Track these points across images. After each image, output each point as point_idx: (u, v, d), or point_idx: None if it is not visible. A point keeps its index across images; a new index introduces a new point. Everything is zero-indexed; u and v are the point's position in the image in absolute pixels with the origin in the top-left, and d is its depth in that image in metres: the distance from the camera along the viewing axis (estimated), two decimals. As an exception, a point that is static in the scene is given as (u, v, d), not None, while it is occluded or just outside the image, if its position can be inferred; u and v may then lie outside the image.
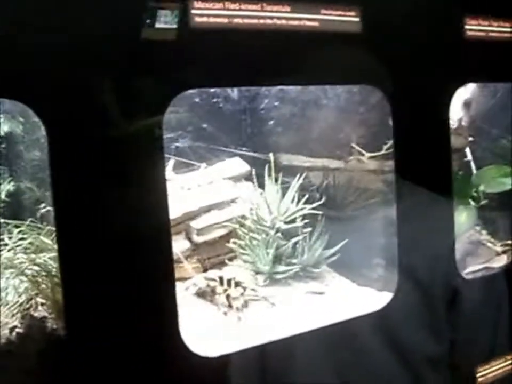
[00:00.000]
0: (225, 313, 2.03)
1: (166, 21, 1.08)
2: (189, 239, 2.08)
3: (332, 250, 2.03)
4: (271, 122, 2.32)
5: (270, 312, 1.84)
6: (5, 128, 1.53)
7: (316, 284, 2.00)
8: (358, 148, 2.12)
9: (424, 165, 1.72)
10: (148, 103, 1.19)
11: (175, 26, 1.16)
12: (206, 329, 1.86)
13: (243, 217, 2.10)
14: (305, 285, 2.00)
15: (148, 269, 1.27)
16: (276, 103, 2.25)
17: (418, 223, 1.75)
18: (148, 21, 1.08)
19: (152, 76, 1.19)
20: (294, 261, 2.02)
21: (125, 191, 1.21)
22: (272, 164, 2.03)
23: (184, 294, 1.97)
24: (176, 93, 1.24)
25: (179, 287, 1.87)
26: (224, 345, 1.52)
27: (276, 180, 2.05)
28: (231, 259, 2.07)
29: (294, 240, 2.01)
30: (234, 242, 2.06)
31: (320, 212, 2.03)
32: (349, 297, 1.89)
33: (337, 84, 1.80)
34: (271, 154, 2.04)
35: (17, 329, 1.31)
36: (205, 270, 2.04)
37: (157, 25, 1.14)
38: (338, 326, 1.68)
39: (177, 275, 1.99)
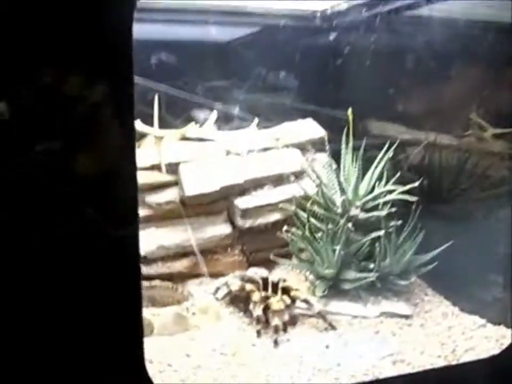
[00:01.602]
0: (258, 333, 1.47)
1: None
2: (232, 222, 1.77)
3: (428, 256, 1.66)
4: (362, 75, 1.94)
5: (325, 339, 1.46)
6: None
7: (399, 302, 1.62)
8: (479, 121, 1.74)
9: None
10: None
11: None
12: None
13: (306, 198, 1.72)
14: (384, 303, 1.61)
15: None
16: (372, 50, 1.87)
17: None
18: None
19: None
20: (371, 265, 1.63)
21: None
22: (351, 128, 1.66)
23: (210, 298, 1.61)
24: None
25: (206, 287, 1.66)
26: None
27: (356, 151, 1.70)
28: (283, 255, 1.70)
29: (373, 235, 1.62)
30: (289, 231, 1.67)
31: (415, 199, 1.63)
32: (447, 328, 1.52)
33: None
34: (350, 114, 1.64)
35: None
36: (250, 267, 1.73)
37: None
38: (427, 375, 1.32)
39: (210, 269, 1.70)
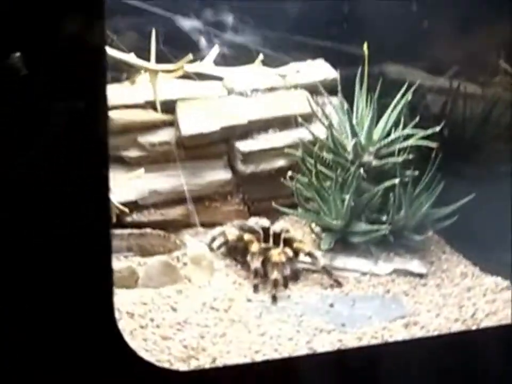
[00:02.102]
0: (255, 288, 1.35)
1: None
2: (232, 168, 1.65)
3: (447, 210, 1.55)
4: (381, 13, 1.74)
5: (329, 296, 1.35)
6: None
7: (414, 259, 1.49)
8: (507, 67, 1.68)
9: None
10: None
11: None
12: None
13: (314, 143, 1.58)
14: (397, 259, 1.48)
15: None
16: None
17: None
18: None
19: None
20: (384, 218, 1.50)
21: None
22: (366, 65, 1.54)
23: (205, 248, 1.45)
24: None
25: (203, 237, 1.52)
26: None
27: (371, 92, 1.56)
28: (288, 206, 1.58)
29: (387, 184, 1.49)
30: (294, 178, 1.53)
31: (435, 144, 1.51)
32: (466, 289, 1.40)
33: None
34: (365, 49, 1.55)
35: None
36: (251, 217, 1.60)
37: None
38: (443, 340, 1.17)
39: (207, 219, 1.57)
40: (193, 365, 1.01)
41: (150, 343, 1.06)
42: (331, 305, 1.30)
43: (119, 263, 1.31)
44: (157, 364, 0.97)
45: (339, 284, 1.39)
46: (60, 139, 0.84)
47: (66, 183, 0.85)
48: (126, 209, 1.44)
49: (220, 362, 1.03)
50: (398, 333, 1.18)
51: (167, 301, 1.23)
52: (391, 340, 1.15)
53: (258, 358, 1.06)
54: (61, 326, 0.85)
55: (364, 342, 1.14)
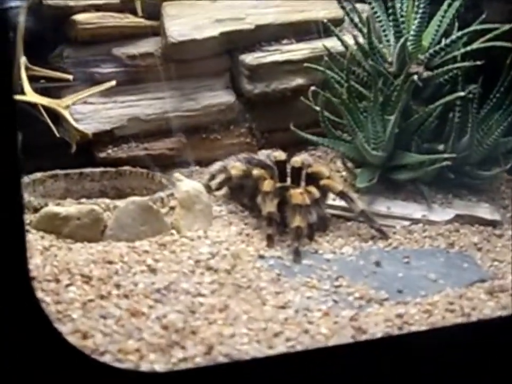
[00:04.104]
0: (269, 239, 1.04)
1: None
2: (235, 87, 1.45)
3: None
4: None
5: (372, 252, 1.04)
6: None
7: (481, 202, 1.24)
8: None
9: None
10: None
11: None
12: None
13: (343, 55, 1.31)
14: (459, 203, 1.23)
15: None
16: None
17: None
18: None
19: None
20: (440, 147, 1.25)
21: None
22: None
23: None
24: None
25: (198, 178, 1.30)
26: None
27: None
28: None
29: (445, 100, 1.23)
30: (317, 95, 1.28)
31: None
32: None
33: None
34: None
35: None
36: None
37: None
38: None
39: (205, 154, 1.42)
40: (176, 358, 0.65)
41: (110, 322, 0.69)
42: (377, 264, 1.00)
43: (77, 206, 0.97)
44: (115, 364, 0.60)
45: (384, 235, 1.11)
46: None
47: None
48: (88, 133, 1.22)
49: (219, 355, 0.66)
50: (483, 304, 0.82)
51: (143, 258, 0.93)
52: (474, 313, 0.79)
53: (280, 345, 0.69)
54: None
55: (436, 318, 0.78)
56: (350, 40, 1.36)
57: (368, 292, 0.89)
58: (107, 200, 1.06)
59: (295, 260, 0.98)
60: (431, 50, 1.29)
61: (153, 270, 0.87)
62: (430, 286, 0.92)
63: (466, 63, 1.27)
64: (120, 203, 1.03)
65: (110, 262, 0.87)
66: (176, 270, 0.88)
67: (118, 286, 0.80)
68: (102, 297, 0.77)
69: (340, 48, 1.37)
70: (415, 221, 1.17)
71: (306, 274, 0.95)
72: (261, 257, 0.98)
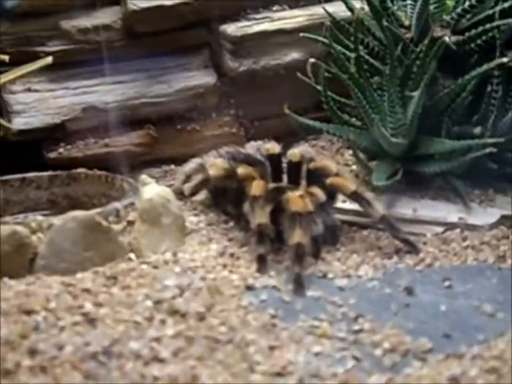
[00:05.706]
0: (260, 261, 0.84)
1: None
2: (216, 66, 1.31)
3: None
4: None
5: (399, 273, 0.84)
6: None
7: None
8: None
9: None
10: None
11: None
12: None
13: (349, 22, 1.15)
14: (503, 200, 1.04)
15: None
16: None
17: None
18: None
19: None
20: (476, 130, 1.07)
21: None
22: None
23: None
24: None
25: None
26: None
27: None
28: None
29: (481, 71, 1.05)
30: (318, 68, 1.13)
31: None
32: None
33: None
34: None
35: None
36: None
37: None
38: None
39: (182, 149, 1.28)
40: None
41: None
42: (408, 291, 0.78)
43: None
44: None
45: (413, 248, 0.90)
46: None
47: None
48: (10, 125, 1.03)
49: None
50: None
51: (79, 301, 0.68)
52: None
53: None
54: None
55: (507, 380, 0.54)
56: (356, 3, 1.21)
57: (401, 339, 0.66)
58: (39, 217, 0.82)
59: (296, 292, 0.77)
60: (458, 10, 1.12)
61: (91, 321, 0.64)
62: (487, 324, 0.68)
63: (507, 20, 1.03)
64: (56, 220, 0.77)
65: (29, 312, 0.62)
66: (126, 319, 0.64)
67: (33, 352, 0.55)
68: (6, 373, 0.53)
69: (343, 14, 1.22)
70: (451, 226, 0.98)
71: (312, 315, 0.73)
72: (249, 288, 0.76)
